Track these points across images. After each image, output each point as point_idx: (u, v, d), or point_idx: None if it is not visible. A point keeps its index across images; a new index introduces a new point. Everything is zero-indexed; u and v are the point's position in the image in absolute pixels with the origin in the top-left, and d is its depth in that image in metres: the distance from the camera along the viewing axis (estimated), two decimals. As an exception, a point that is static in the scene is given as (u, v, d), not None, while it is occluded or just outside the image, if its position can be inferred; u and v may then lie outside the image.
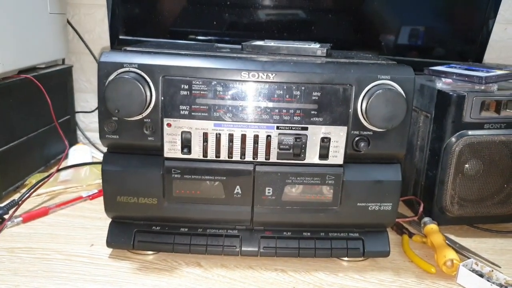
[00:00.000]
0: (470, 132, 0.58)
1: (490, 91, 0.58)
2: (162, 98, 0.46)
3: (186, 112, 0.47)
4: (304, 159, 0.49)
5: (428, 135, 0.62)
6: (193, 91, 0.46)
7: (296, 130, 0.48)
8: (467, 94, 0.57)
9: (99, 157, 0.83)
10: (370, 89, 0.46)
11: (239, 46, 0.58)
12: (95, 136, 0.92)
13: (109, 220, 0.52)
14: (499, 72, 0.60)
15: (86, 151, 0.80)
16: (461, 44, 0.80)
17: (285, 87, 0.47)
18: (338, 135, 0.48)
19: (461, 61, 0.74)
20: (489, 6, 0.75)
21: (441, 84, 0.61)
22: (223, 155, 0.48)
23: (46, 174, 0.68)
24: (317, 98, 0.47)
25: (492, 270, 0.50)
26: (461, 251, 0.56)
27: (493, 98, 0.58)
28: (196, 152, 0.48)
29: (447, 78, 0.61)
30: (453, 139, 0.58)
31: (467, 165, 0.59)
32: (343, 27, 0.78)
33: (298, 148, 0.48)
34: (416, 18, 0.78)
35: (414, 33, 0.79)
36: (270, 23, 0.75)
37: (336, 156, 0.49)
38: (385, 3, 0.77)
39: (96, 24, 0.90)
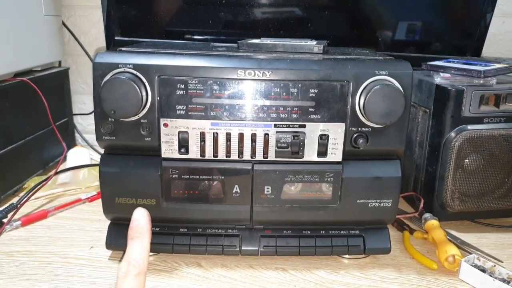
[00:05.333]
0: (469, 127, 0.57)
1: (489, 85, 0.58)
2: (158, 98, 0.46)
3: (183, 112, 0.46)
4: (303, 156, 0.48)
5: (427, 130, 0.62)
6: (189, 91, 0.46)
7: (294, 127, 0.47)
8: (466, 88, 0.57)
9: (97, 159, 0.83)
10: (367, 85, 0.46)
11: (235, 45, 0.57)
12: (93, 138, 0.91)
13: (108, 222, 0.52)
14: (497, 65, 0.60)
15: (84, 154, 0.79)
16: (459, 38, 0.79)
17: (282, 85, 0.46)
18: (336, 132, 0.48)
19: (459, 56, 0.73)
20: (486, -1, 0.74)
21: (440, 79, 0.60)
22: (221, 155, 0.48)
23: (44, 177, 0.68)
24: (314, 95, 0.46)
25: (495, 265, 0.50)
26: (462, 246, 0.55)
27: (492, 92, 0.58)
28: (194, 152, 0.48)
29: (446, 73, 0.61)
30: (453, 134, 0.58)
31: (467, 160, 0.58)
32: (340, 23, 0.77)
33: (296, 146, 0.48)
34: (413, 13, 0.78)
35: (412, 28, 0.78)
36: (266, 21, 0.75)
37: (335, 153, 0.48)
38: (381, -2, 0.77)
39: (91, 25, 0.90)
